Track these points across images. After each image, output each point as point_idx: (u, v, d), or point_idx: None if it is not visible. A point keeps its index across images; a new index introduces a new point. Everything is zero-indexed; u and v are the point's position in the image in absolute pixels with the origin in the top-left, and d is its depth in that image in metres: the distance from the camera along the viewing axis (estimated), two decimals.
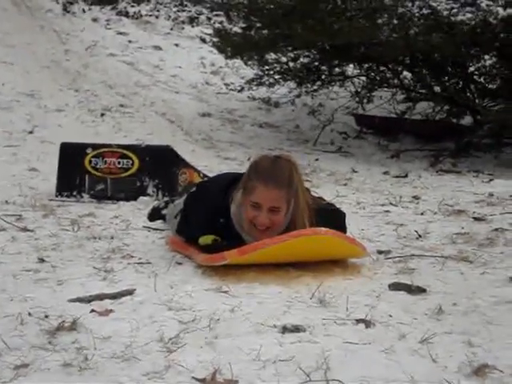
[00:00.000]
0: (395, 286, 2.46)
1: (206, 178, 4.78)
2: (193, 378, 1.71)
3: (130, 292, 2.39)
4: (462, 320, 2.11)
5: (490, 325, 2.08)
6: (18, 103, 7.78)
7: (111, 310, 2.20)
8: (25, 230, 3.48)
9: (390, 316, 2.14)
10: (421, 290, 2.41)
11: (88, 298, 2.31)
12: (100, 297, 2.33)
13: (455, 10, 6.80)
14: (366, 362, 1.80)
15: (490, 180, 5.34)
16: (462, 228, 3.44)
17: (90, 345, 1.90)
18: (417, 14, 6.94)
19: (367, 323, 2.07)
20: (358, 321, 2.09)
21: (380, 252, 3.00)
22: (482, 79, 7.44)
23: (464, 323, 2.08)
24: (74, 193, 4.57)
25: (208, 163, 5.96)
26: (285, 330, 2.01)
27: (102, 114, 7.86)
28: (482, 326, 2.06)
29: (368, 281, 2.57)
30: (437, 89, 7.46)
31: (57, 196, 4.56)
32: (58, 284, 2.52)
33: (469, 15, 6.69)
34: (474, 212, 3.89)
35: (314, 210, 2.80)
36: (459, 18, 6.68)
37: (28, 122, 7.19)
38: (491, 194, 4.48)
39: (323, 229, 2.62)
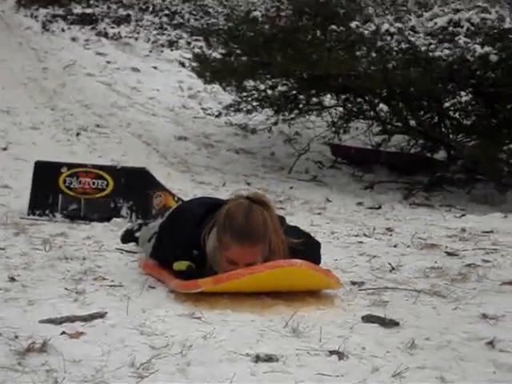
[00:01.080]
0: (368, 319, 2.46)
1: (180, 203, 4.77)
2: None
3: (101, 315, 2.37)
4: (434, 355, 2.11)
5: (462, 361, 2.07)
6: None
7: (82, 333, 2.17)
8: None
9: (363, 348, 2.13)
10: (394, 323, 2.41)
11: (59, 320, 2.28)
12: (71, 319, 2.30)
13: (433, 46, 6.90)
14: None
15: (463, 215, 5.39)
16: (435, 262, 3.46)
17: (60, 368, 1.87)
18: (395, 48, 7.03)
19: (340, 355, 2.06)
20: (331, 352, 2.08)
21: (353, 283, 2.99)
22: (457, 115, 7.54)
23: (436, 358, 2.08)
24: (47, 212, 4.54)
25: (183, 187, 5.95)
26: (258, 359, 2.00)
27: (78, 134, 7.84)
28: (454, 361, 2.06)
29: (341, 312, 2.56)
30: (412, 122, 7.54)
31: (29, 214, 4.52)
32: (29, 304, 2.48)
33: (446, 51, 6.79)
34: (446, 246, 3.91)
35: (289, 247, 2.79)
36: (437, 53, 6.78)
37: (2, 139, 7.15)
38: (463, 230, 4.50)
39: (298, 261, 2.61)
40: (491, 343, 2.21)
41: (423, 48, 6.93)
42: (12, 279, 2.83)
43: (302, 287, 2.72)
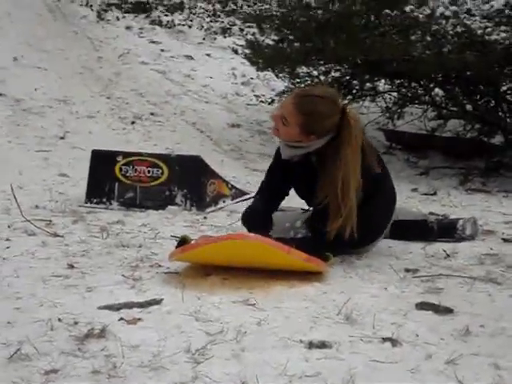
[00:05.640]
0: (422, 306, 2.46)
1: (233, 190, 4.83)
2: None
3: (157, 301, 2.42)
4: (488, 342, 2.11)
5: None
6: (50, 109, 7.87)
7: (139, 319, 2.22)
8: (55, 235, 3.53)
9: (417, 335, 2.14)
10: (448, 311, 2.41)
11: (117, 306, 2.34)
12: (128, 305, 2.35)
13: (489, 29, 6.77)
14: (393, 381, 1.80)
15: None
16: (491, 249, 3.42)
17: (119, 353, 1.92)
18: (451, 32, 6.91)
19: (394, 342, 2.07)
20: (385, 339, 2.09)
21: (407, 270, 2.99)
22: None
23: (491, 345, 2.07)
24: (104, 200, 4.61)
25: (236, 174, 5.99)
26: (311, 345, 2.02)
27: (133, 122, 7.93)
28: (509, 349, 2.05)
29: (395, 299, 2.56)
30: (468, 107, 7.42)
31: (86, 202, 4.60)
32: (88, 291, 2.55)
33: (503, 34, 6.66)
34: (503, 233, 3.86)
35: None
36: (493, 37, 6.65)
37: (60, 128, 7.28)
38: None
39: (252, 235, 2.72)
40: None
41: (479, 31, 6.81)
42: (71, 266, 2.90)
43: (265, 263, 2.78)
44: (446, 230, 3.62)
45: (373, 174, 3.10)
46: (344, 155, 2.97)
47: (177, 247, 2.96)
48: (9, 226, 3.69)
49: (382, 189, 3.25)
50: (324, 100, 3.06)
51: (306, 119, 3.04)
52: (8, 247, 3.24)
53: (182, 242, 3.00)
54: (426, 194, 5.83)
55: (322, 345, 2.02)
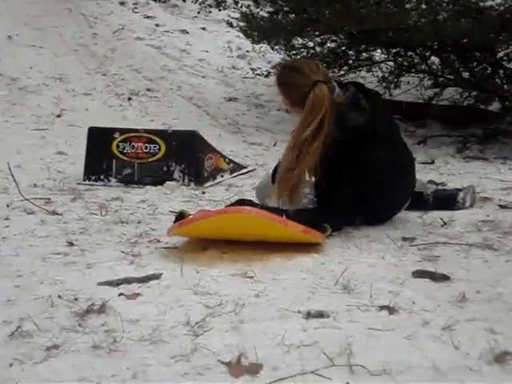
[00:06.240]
0: (419, 273, 2.48)
1: (231, 164, 4.84)
2: (218, 361, 1.75)
3: (156, 276, 2.44)
4: (484, 307, 2.13)
5: None
6: (46, 87, 7.84)
7: (139, 294, 2.25)
8: (53, 213, 3.55)
9: (414, 303, 2.16)
10: (444, 278, 2.43)
11: (116, 282, 2.36)
12: (128, 280, 2.38)
13: None
14: (389, 348, 1.82)
15: None
16: (488, 216, 3.44)
17: (119, 327, 1.94)
18: None
19: (390, 310, 2.10)
20: (382, 307, 2.11)
21: (405, 239, 3.01)
22: (510, 65, 7.37)
23: (487, 311, 2.10)
24: (102, 177, 4.63)
25: (234, 148, 5.99)
26: (309, 315, 2.04)
27: (129, 98, 7.91)
28: (504, 313, 2.08)
29: (392, 268, 2.59)
30: (465, 74, 7.39)
31: (84, 180, 4.62)
32: (87, 267, 2.57)
33: (498, 0, 6.62)
34: (500, 199, 3.88)
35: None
36: (488, 3, 6.61)
37: (56, 106, 7.26)
38: None
39: (249, 208, 2.75)
40: None
41: None
42: (70, 244, 2.93)
43: (262, 235, 2.80)
44: (446, 202, 3.64)
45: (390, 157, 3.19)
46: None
47: (175, 222, 2.99)
48: (8, 205, 3.71)
49: (402, 171, 3.30)
50: (295, 71, 3.13)
51: (281, 89, 3.19)
52: (7, 226, 3.27)
53: (180, 216, 3.03)
54: (424, 163, 5.82)
55: (320, 314, 2.05)
